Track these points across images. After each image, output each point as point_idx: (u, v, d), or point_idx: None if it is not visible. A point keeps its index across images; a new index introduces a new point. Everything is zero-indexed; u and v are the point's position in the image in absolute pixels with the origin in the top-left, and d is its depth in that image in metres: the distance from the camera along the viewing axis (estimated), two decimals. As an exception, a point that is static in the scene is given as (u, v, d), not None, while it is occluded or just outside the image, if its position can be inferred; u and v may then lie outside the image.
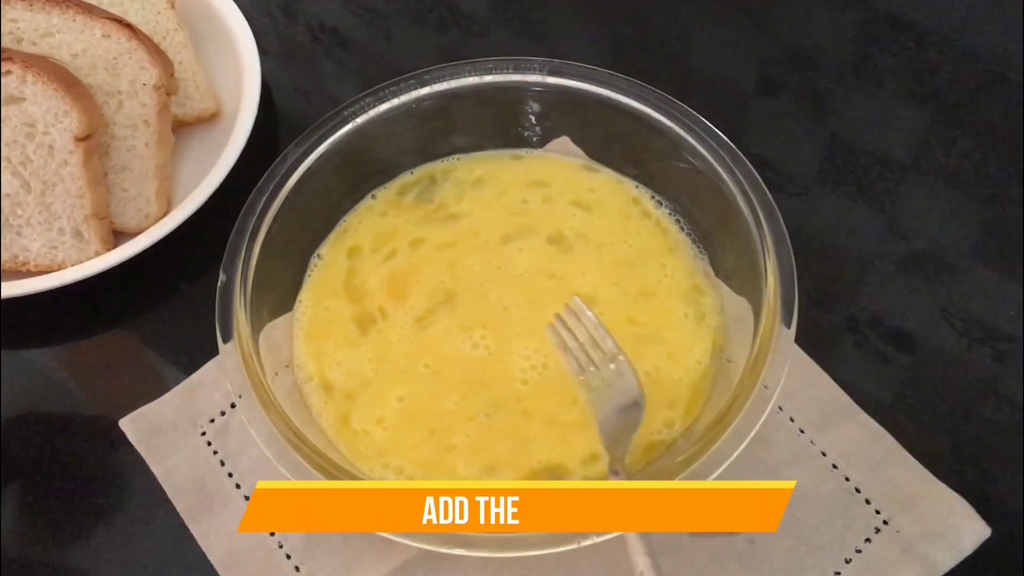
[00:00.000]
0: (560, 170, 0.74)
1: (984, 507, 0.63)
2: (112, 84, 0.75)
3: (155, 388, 0.70)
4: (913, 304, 0.73)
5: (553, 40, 0.91)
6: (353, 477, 0.58)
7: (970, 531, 0.61)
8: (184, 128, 0.81)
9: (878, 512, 0.63)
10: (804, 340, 0.68)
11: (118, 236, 0.76)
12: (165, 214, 0.75)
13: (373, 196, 0.74)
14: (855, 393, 0.67)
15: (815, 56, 0.86)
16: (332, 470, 0.58)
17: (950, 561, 0.61)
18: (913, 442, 0.65)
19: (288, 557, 0.63)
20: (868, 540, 0.62)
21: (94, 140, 0.73)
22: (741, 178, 0.66)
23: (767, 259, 0.63)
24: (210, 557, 0.64)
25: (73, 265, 0.72)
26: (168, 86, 0.76)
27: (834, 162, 0.80)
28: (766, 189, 0.65)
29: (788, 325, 0.61)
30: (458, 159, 0.76)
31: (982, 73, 0.84)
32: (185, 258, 0.76)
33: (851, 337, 0.72)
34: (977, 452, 0.67)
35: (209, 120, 0.81)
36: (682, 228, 0.71)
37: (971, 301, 0.73)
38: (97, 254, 0.73)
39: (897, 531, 0.62)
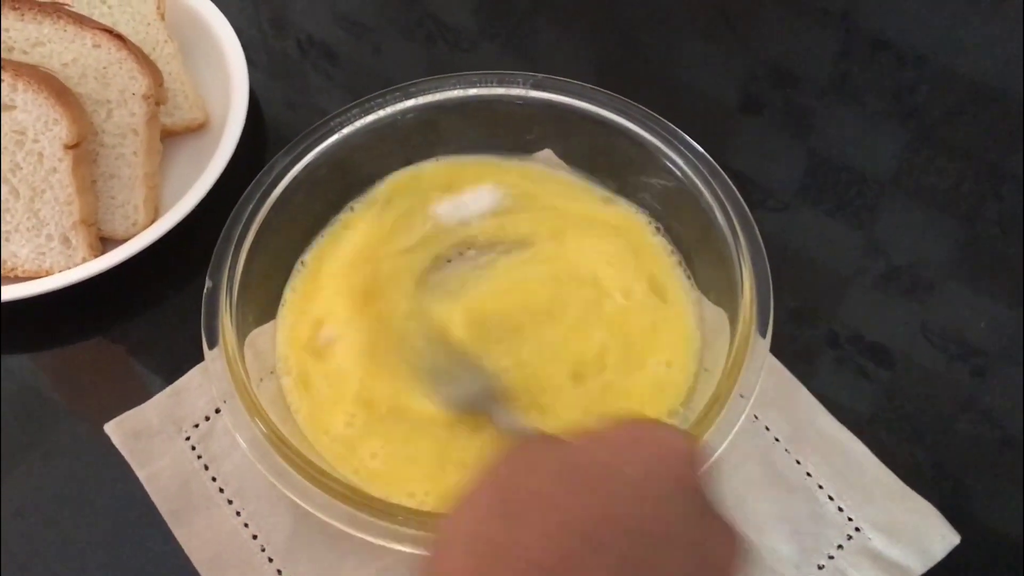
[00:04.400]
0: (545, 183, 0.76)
1: (959, 517, 0.63)
2: (102, 93, 0.76)
3: (140, 393, 0.70)
4: (892, 319, 0.74)
5: (540, 56, 0.92)
6: (335, 480, 0.58)
7: (940, 538, 0.62)
8: (172, 137, 0.81)
9: (850, 519, 0.64)
10: (785, 354, 0.69)
11: (105, 243, 0.76)
12: (152, 222, 0.75)
13: (352, 208, 0.75)
14: (835, 406, 0.68)
15: (796, 74, 0.87)
16: (316, 475, 0.58)
17: (920, 567, 0.62)
18: (892, 455, 0.66)
19: (271, 560, 0.64)
20: (840, 547, 0.63)
21: (83, 148, 0.73)
22: (718, 190, 0.67)
23: (743, 270, 0.64)
24: (193, 560, 0.64)
25: (61, 271, 0.73)
26: (157, 96, 0.77)
27: (814, 178, 0.81)
28: (743, 201, 0.66)
29: (763, 334, 0.62)
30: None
31: (959, 93, 0.85)
32: (171, 265, 0.76)
33: (831, 352, 0.72)
34: (954, 465, 0.67)
35: (197, 130, 0.82)
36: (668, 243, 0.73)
37: (948, 317, 0.73)
38: (84, 260, 0.73)
39: (869, 538, 0.63)
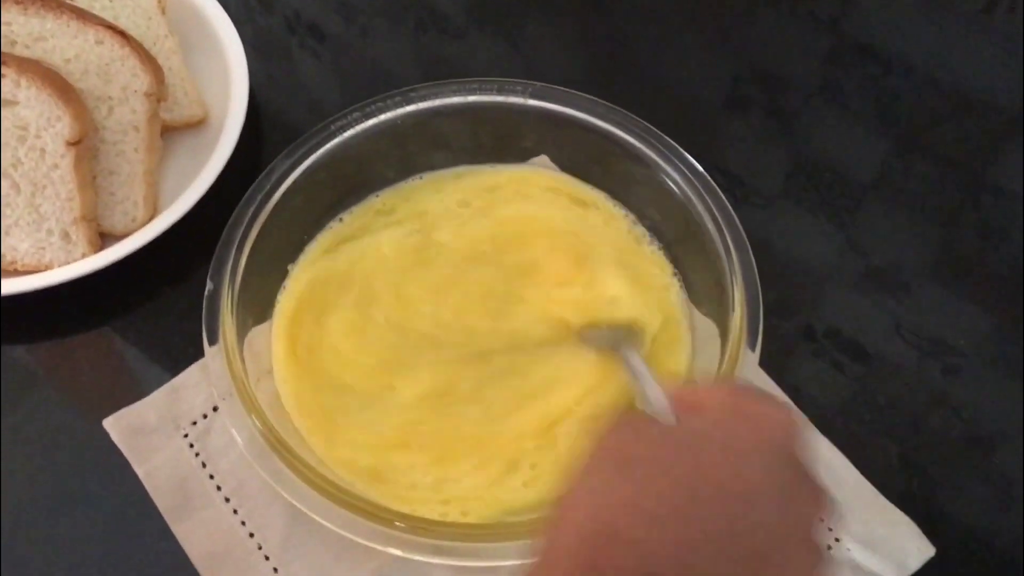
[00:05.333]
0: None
1: (929, 518, 0.66)
2: (103, 90, 0.76)
3: (138, 389, 0.71)
4: (868, 317, 0.75)
5: (528, 46, 0.92)
6: (329, 482, 0.60)
7: (916, 550, 0.64)
8: (170, 132, 0.81)
9: (830, 529, 0.65)
10: (763, 347, 0.69)
11: (105, 239, 0.76)
12: (152, 218, 0.75)
13: (341, 219, 0.76)
14: (810, 397, 0.70)
15: (784, 77, 0.88)
16: (310, 475, 0.59)
17: (897, 578, 0.64)
18: (864, 450, 0.68)
19: (267, 558, 0.65)
20: (821, 557, 0.65)
21: (85, 145, 0.73)
22: (713, 207, 0.68)
23: (735, 288, 0.65)
24: (191, 557, 0.65)
25: (60, 266, 0.73)
26: (158, 93, 0.77)
27: (797, 178, 0.82)
28: (737, 220, 0.67)
29: (753, 348, 0.64)
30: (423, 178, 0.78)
31: (942, 102, 0.86)
32: (170, 262, 0.76)
33: (808, 346, 0.74)
34: (924, 462, 0.69)
35: (196, 125, 0.82)
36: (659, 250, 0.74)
37: (924, 316, 0.75)
38: (84, 256, 0.73)
39: (848, 549, 0.65)
